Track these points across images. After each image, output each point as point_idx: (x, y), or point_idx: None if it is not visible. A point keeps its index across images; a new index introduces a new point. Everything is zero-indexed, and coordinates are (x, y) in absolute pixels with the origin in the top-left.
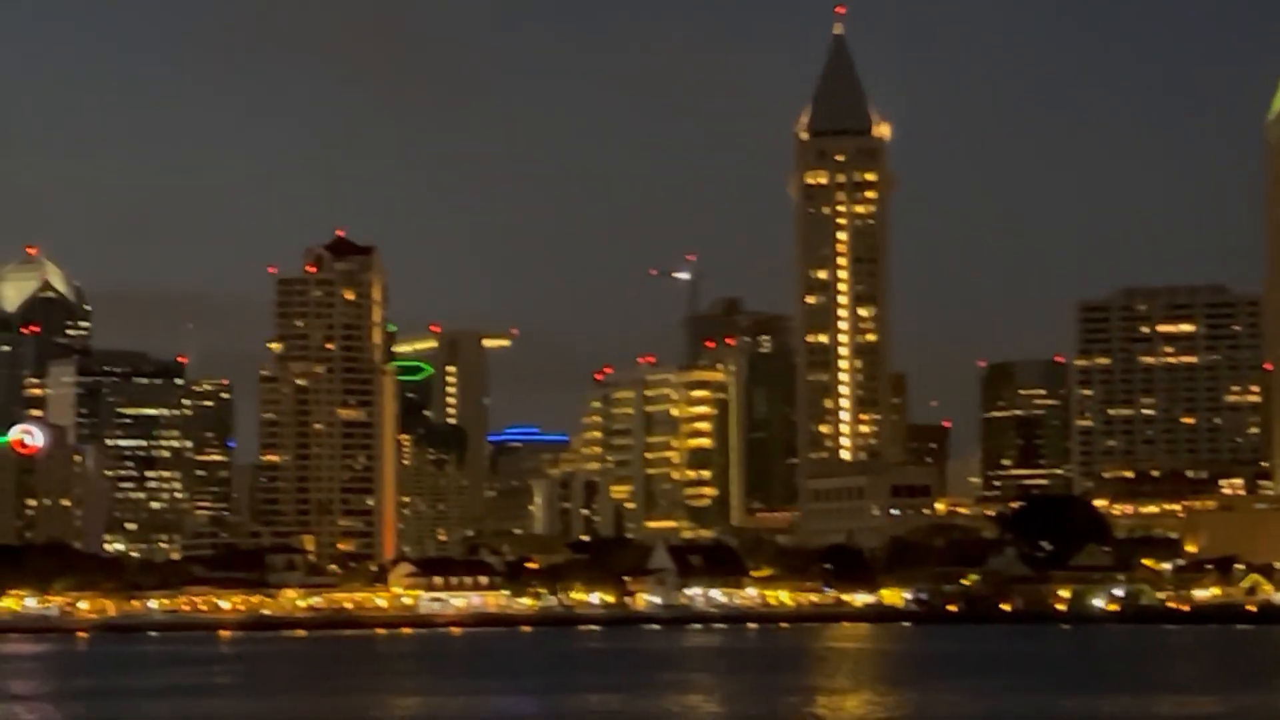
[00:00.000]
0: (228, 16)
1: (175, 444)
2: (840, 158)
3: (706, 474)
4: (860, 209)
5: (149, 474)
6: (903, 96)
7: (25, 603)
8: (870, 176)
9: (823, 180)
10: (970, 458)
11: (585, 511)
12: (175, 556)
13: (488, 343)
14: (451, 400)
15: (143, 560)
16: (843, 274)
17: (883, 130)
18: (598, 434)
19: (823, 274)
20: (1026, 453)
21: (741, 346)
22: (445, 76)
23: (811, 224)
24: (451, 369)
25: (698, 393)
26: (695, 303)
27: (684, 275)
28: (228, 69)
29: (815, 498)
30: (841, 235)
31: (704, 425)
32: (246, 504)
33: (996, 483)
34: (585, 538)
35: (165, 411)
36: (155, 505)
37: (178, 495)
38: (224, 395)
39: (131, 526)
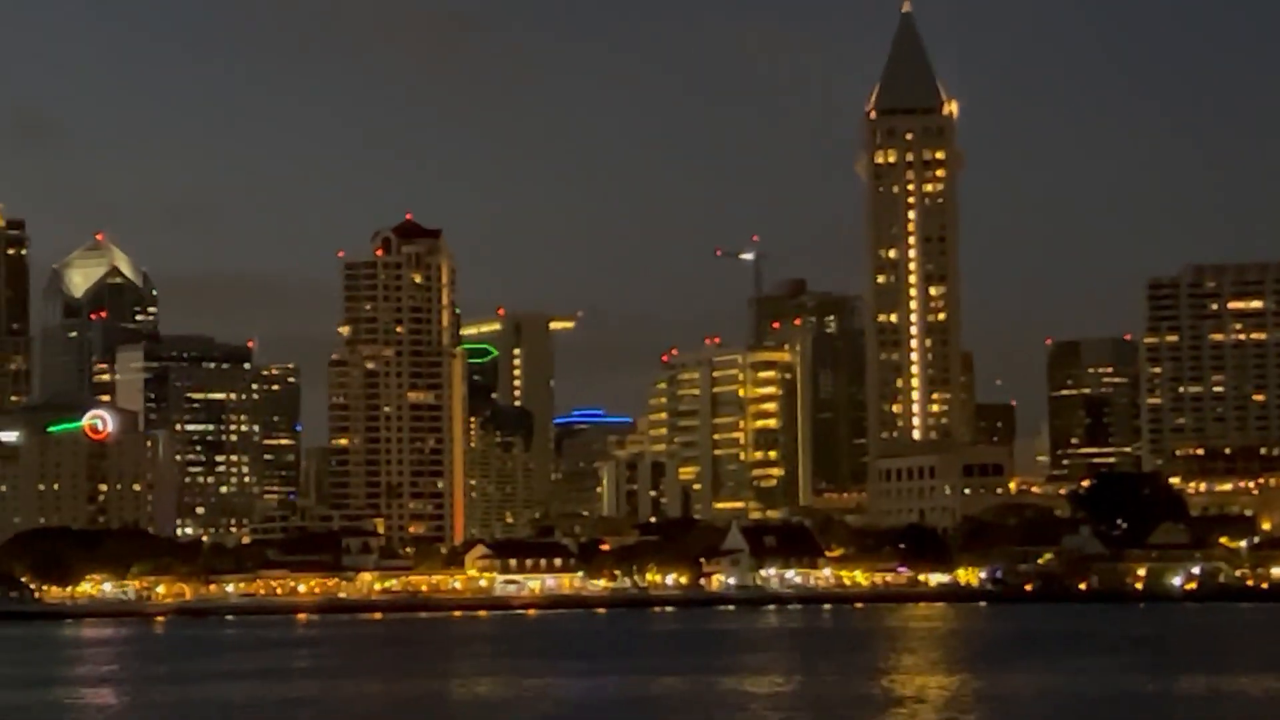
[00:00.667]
0: (294, 2)
1: (243, 428)
2: (909, 136)
3: (773, 455)
4: (929, 187)
5: (218, 458)
6: (970, 74)
7: (103, 587)
8: (939, 155)
9: (891, 159)
10: (1037, 436)
11: (653, 493)
12: (246, 541)
13: (553, 325)
14: (517, 383)
15: (218, 544)
16: (912, 253)
17: (951, 108)
18: (664, 415)
19: (892, 253)
20: (1094, 431)
21: (807, 327)
22: (511, 60)
23: (881, 203)
24: (517, 351)
25: (764, 373)
26: (760, 284)
27: (749, 256)
28: (294, 54)
29: (885, 477)
30: (911, 214)
31: (770, 406)
32: (314, 488)
33: (1065, 461)
34: (653, 519)
35: (233, 396)
36: (224, 490)
37: (246, 479)
38: (290, 380)
39: (200, 511)
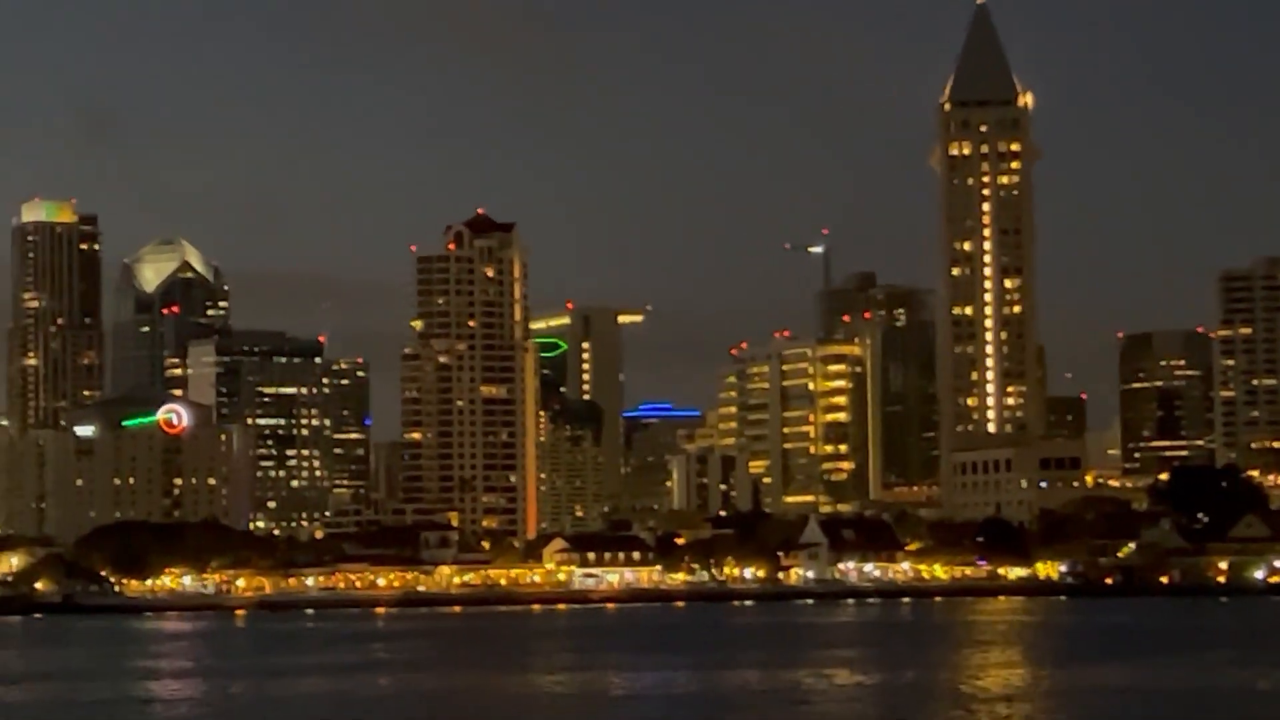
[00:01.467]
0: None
1: (314, 423)
2: (984, 128)
3: (843, 448)
4: (1004, 179)
5: (288, 453)
6: (1044, 66)
7: (182, 580)
8: (1014, 147)
9: (966, 151)
10: (1107, 430)
11: (722, 487)
12: (319, 534)
13: (622, 318)
14: (586, 376)
15: (291, 537)
16: (987, 245)
17: (1026, 99)
18: (733, 409)
19: (967, 246)
20: (1166, 424)
21: (877, 320)
22: (579, 55)
23: (955, 195)
24: (586, 345)
25: (834, 367)
26: (830, 277)
27: (818, 249)
28: (365, 49)
29: (960, 471)
30: (986, 206)
31: (840, 399)
32: (384, 482)
33: (1136, 455)
34: (723, 513)
35: (304, 391)
36: (295, 484)
37: (317, 474)
38: (359, 374)
39: (272, 505)
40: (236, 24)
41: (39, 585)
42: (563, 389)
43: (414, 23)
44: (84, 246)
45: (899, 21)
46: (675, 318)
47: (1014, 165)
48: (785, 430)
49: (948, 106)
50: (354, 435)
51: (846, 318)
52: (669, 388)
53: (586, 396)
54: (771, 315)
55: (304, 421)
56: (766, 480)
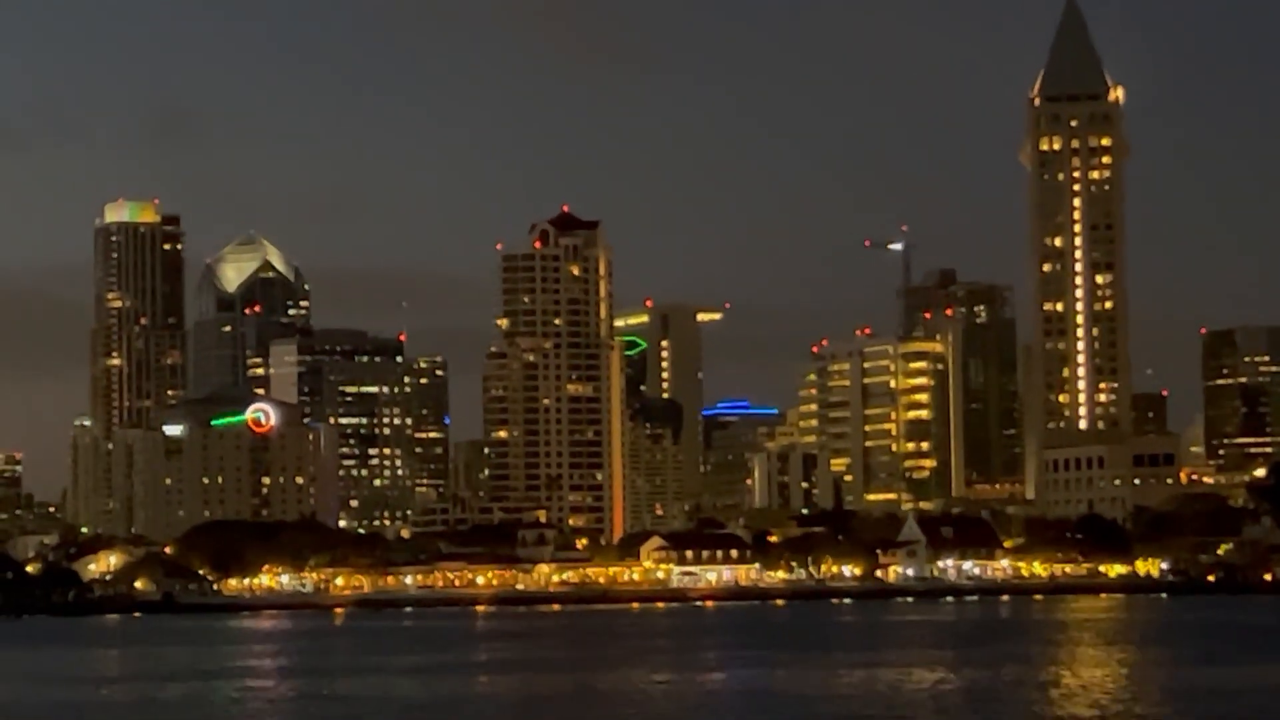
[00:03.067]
0: None
1: (396, 421)
2: (1074, 123)
3: (925, 445)
4: (1095, 174)
5: (370, 451)
6: (1131, 60)
7: (280, 579)
8: (1105, 141)
9: (1057, 146)
10: (1190, 426)
11: (804, 485)
12: (404, 533)
13: (701, 316)
14: (665, 375)
15: (378, 535)
16: (1078, 240)
17: (1117, 94)
18: (814, 406)
19: (1057, 241)
20: (1250, 421)
21: (958, 317)
22: (660, 51)
23: (1045, 190)
24: (665, 343)
25: (916, 364)
26: (909, 274)
27: (897, 246)
28: (448, 45)
29: (1052, 468)
30: (1076, 202)
31: (922, 397)
32: (464, 480)
33: (1221, 452)
34: (805, 511)
35: (385, 389)
36: (377, 483)
37: (399, 473)
38: (438, 373)
39: (354, 504)
40: (317, 22)
41: (138, 584)
42: (642, 387)
43: (497, 19)
44: (167, 246)
45: (981, 17)
46: (753, 315)
47: (1105, 160)
48: (867, 428)
49: (1038, 101)
50: (433, 434)
51: (928, 315)
52: (746, 386)
53: (665, 395)
54: (850, 313)
55: (385, 420)
56: (848, 478)
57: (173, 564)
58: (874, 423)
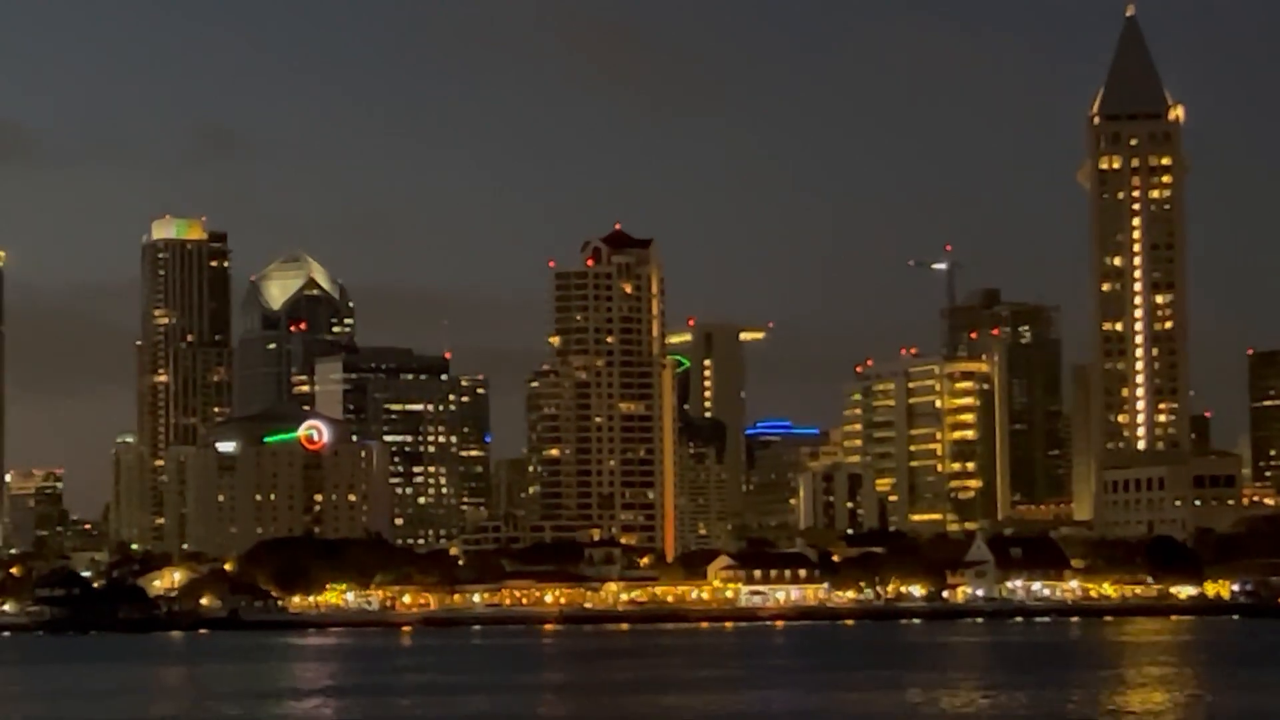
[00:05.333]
0: (496, 14)
1: (440, 439)
2: (1134, 142)
3: (970, 466)
4: (1155, 194)
5: (415, 469)
6: (1193, 79)
7: (345, 596)
8: (1165, 160)
9: (1116, 165)
10: (1234, 447)
11: (849, 505)
12: (453, 551)
13: (744, 335)
14: (708, 394)
15: (438, 553)
16: (1138, 260)
17: (1177, 113)
18: (858, 426)
19: (1117, 261)
20: None
21: (1003, 337)
22: (708, 73)
23: (1105, 210)
24: (708, 362)
25: (962, 384)
26: (953, 294)
27: (941, 266)
28: (498, 65)
29: (1111, 489)
30: (1136, 221)
31: (968, 417)
32: (505, 498)
33: (1267, 474)
34: (850, 531)
35: (430, 407)
36: (421, 500)
37: (444, 490)
38: (480, 391)
39: (400, 522)
40: (361, 43)
41: (204, 601)
42: (685, 406)
43: (545, 40)
44: (213, 264)
45: (1027, 39)
46: (797, 335)
47: (1165, 179)
48: (912, 448)
49: (1097, 120)
50: (475, 452)
51: (973, 334)
52: (786, 405)
53: (708, 414)
54: (892, 333)
55: (430, 438)
56: (893, 498)
57: (238, 581)
58: (919, 443)
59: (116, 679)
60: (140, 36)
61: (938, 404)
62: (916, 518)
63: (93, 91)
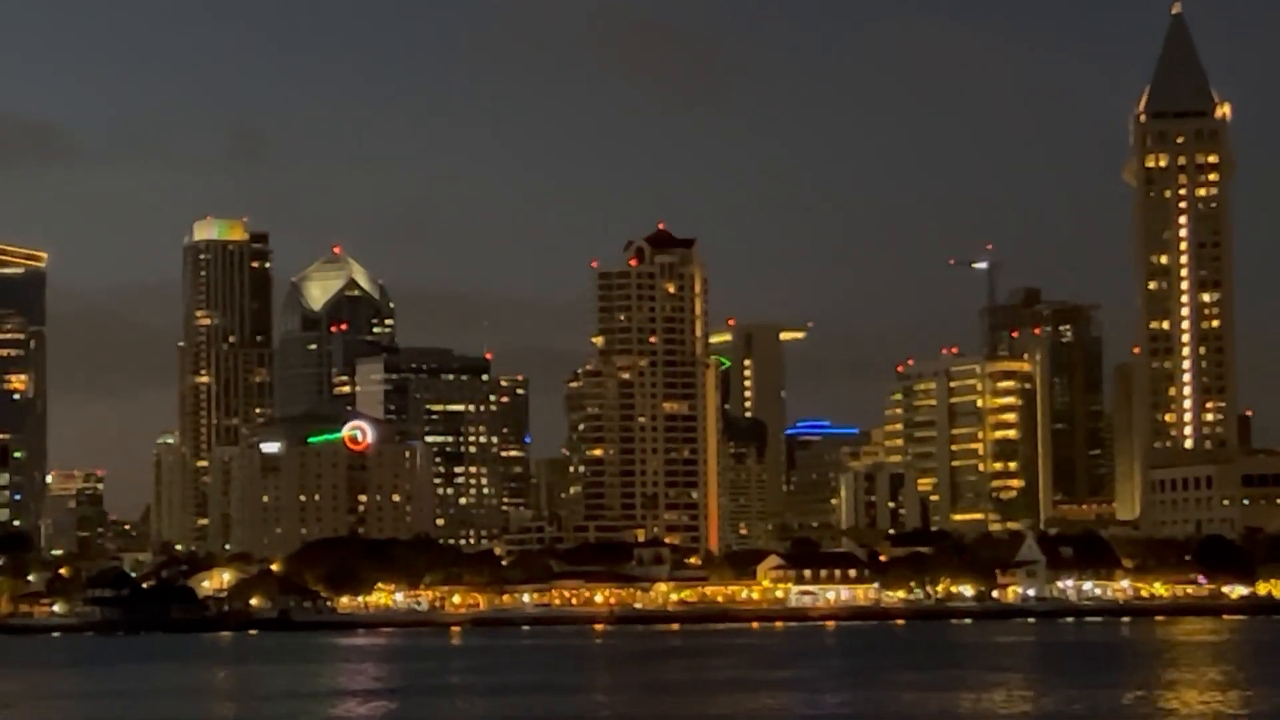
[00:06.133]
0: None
1: (481, 440)
2: (1180, 140)
3: (1013, 465)
4: (1201, 192)
5: (456, 470)
6: (1239, 77)
7: (394, 597)
8: (1211, 159)
9: (1163, 163)
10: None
11: (891, 504)
12: (497, 551)
13: (784, 335)
14: (748, 394)
15: (483, 552)
16: (1184, 259)
17: (1224, 111)
18: (899, 425)
19: (1163, 259)
20: None
21: (1045, 336)
22: (744, 71)
23: (1151, 208)
24: (748, 362)
25: (1004, 383)
26: (994, 293)
27: (982, 265)
28: (533, 66)
29: (1159, 488)
30: (1182, 219)
31: (1010, 416)
32: (545, 499)
33: None
34: (891, 531)
35: (471, 408)
36: (463, 501)
37: (485, 491)
38: (519, 391)
39: (441, 523)
40: (402, 43)
41: (253, 601)
42: (725, 406)
43: (587, 43)
44: (255, 264)
45: (1075, 36)
46: (836, 335)
47: (1211, 177)
48: (953, 448)
49: (1144, 118)
50: (514, 453)
51: (1015, 333)
52: (825, 405)
53: (748, 414)
54: (933, 332)
55: (471, 439)
56: (934, 498)
57: (287, 581)
58: (961, 442)
59: (176, 679)
60: (180, 38)
61: (979, 403)
62: (958, 517)
63: (133, 93)
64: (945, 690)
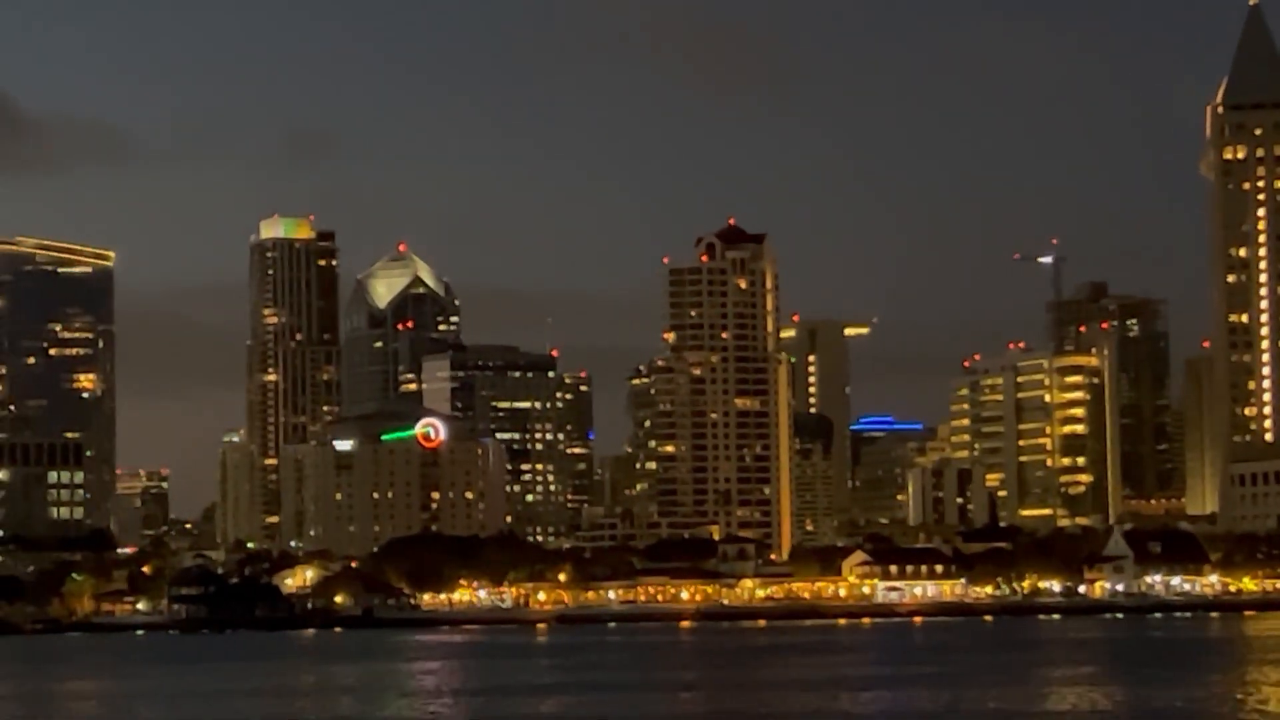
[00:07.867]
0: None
1: (548, 437)
2: (1259, 131)
3: (1081, 460)
4: None
5: (523, 467)
6: None
7: (478, 594)
8: None
9: (1241, 155)
10: None
11: (959, 500)
12: (566, 547)
13: (849, 331)
14: (812, 390)
15: (569, 549)
16: (1263, 251)
17: None
18: (966, 421)
19: (1242, 252)
20: None
21: (1112, 330)
22: (812, 70)
23: (1229, 200)
24: (812, 358)
25: (1071, 378)
26: (1059, 288)
27: (1047, 260)
28: (604, 65)
29: (1239, 482)
30: (1261, 211)
31: (1078, 411)
32: (610, 495)
33: None
34: (960, 527)
35: (537, 405)
36: (529, 498)
37: (552, 488)
38: (583, 388)
39: (509, 519)
40: (467, 40)
41: (337, 599)
42: (790, 402)
43: (653, 37)
44: (321, 263)
45: (1144, 30)
46: (901, 330)
47: None
48: (1021, 443)
49: (1221, 110)
50: (579, 450)
51: (1082, 328)
52: (888, 401)
53: (812, 410)
54: (998, 327)
55: (538, 436)
56: (1002, 494)
57: (371, 579)
58: (1028, 438)
59: (272, 677)
60: (242, 35)
61: (1047, 398)
62: (1026, 513)
63: (197, 93)
64: (1068, 686)
